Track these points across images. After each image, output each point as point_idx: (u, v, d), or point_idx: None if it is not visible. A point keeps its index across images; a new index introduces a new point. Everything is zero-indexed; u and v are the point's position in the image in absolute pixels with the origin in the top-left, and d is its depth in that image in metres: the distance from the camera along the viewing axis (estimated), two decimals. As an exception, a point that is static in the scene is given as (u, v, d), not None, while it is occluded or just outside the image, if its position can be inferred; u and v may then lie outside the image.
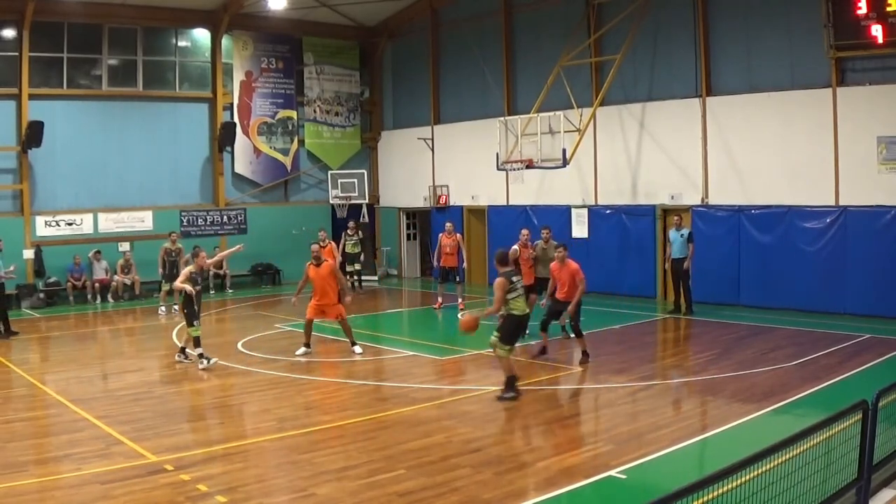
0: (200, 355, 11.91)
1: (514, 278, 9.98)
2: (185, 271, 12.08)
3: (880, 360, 11.52)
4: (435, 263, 18.50)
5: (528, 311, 10.24)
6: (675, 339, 14.80)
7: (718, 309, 16.46)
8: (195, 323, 11.93)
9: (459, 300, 17.65)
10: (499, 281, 9.76)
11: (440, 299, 17.79)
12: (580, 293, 11.70)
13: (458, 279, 17.75)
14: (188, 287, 11.79)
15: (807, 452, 5.34)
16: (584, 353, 11.86)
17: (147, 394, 10.78)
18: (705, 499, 4.25)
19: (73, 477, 7.23)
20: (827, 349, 12.31)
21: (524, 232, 14.56)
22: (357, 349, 12.80)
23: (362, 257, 21.16)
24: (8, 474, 7.27)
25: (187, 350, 12.34)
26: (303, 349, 12.83)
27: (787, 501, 5.04)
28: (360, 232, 21.02)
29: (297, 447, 8.16)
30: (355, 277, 20.86)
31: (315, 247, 13.20)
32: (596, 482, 6.97)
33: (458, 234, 18.08)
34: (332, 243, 17.55)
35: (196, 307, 11.93)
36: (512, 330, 9.85)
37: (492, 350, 10.04)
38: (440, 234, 17.94)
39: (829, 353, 12.03)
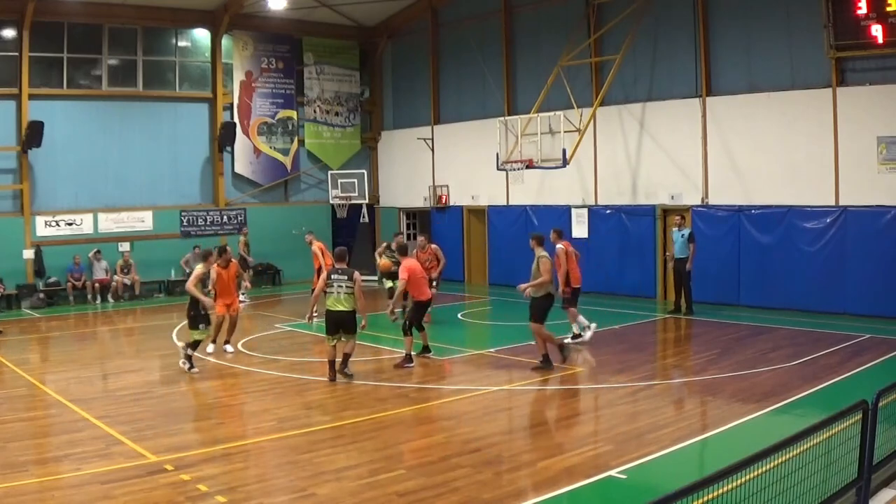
0: (189, 357, 11.66)
1: (334, 276, 10.86)
2: (198, 272, 11.84)
3: (880, 360, 11.53)
4: None
5: (339, 307, 10.80)
6: (675, 339, 14.80)
7: (718, 309, 16.46)
8: (201, 326, 11.76)
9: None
10: (322, 276, 11.17)
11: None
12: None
13: (434, 285, 17.25)
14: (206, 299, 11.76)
15: (807, 452, 5.33)
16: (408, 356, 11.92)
17: (147, 394, 10.78)
18: (705, 499, 4.25)
19: (73, 477, 7.23)
20: (827, 349, 12.31)
21: None
22: (228, 348, 13.13)
23: None
24: (8, 474, 7.26)
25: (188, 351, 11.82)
26: (211, 346, 12.98)
27: (787, 501, 5.04)
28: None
29: (297, 447, 8.15)
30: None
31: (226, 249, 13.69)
32: (596, 482, 6.97)
33: (434, 245, 16.12)
34: (320, 243, 17.13)
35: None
36: (327, 324, 10.98)
37: None
38: (413, 250, 15.62)
39: (829, 353, 12.03)
